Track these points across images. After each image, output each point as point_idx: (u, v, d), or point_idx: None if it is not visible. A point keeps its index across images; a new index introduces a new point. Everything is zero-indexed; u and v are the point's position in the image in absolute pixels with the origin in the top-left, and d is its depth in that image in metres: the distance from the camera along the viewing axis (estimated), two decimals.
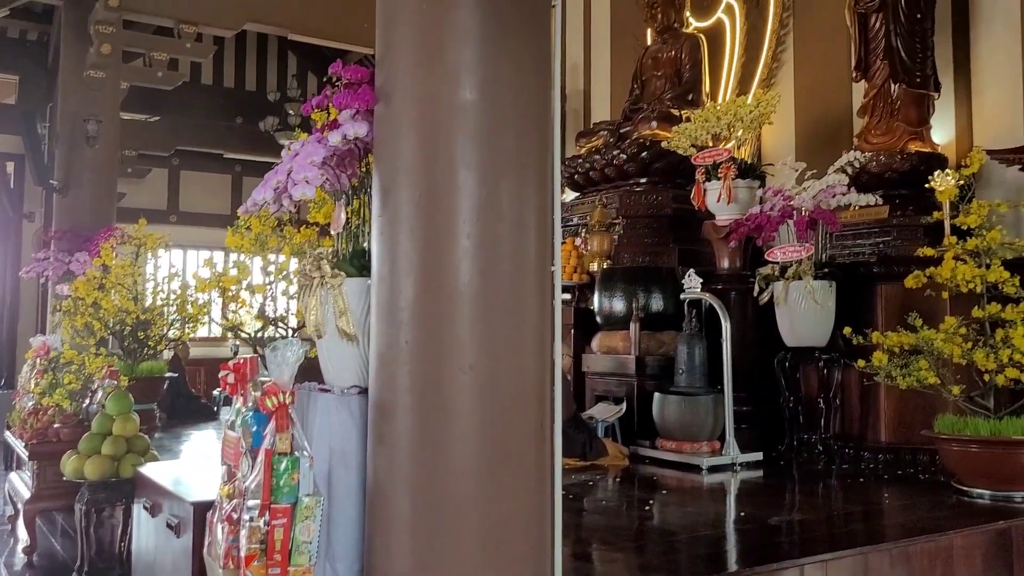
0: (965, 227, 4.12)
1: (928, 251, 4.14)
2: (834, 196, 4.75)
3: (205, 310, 5.72)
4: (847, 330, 4.19)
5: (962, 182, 4.44)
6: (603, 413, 5.04)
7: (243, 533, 2.21)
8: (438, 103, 2.21)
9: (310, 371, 2.64)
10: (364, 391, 2.46)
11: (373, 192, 2.37)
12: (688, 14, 6.78)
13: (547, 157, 2.35)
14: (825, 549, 2.89)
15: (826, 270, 4.72)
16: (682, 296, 4.81)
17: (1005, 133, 5.06)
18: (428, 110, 2.22)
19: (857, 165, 4.99)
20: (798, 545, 3.08)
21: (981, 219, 3.98)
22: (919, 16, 5.17)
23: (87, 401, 4.25)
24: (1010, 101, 5.09)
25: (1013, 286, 3.85)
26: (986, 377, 3.69)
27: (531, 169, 2.28)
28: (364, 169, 2.66)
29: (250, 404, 2.36)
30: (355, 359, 2.55)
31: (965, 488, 3.74)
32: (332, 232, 2.79)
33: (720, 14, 6.77)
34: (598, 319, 5.47)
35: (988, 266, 3.92)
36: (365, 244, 2.63)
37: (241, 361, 2.46)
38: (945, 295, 4.04)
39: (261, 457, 2.22)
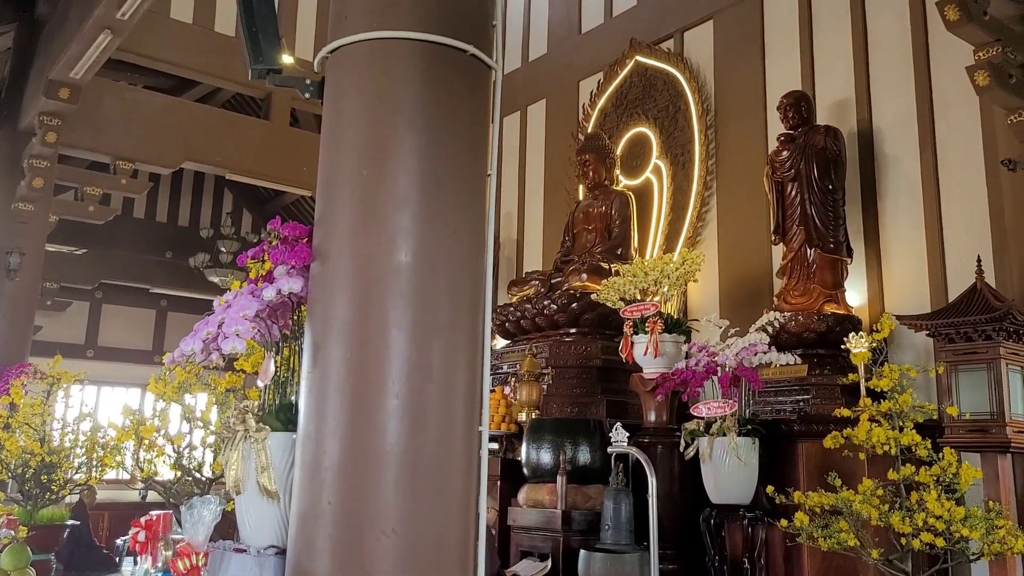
0: (879, 389, 4.31)
1: (845, 412, 4.31)
2: (755, 354, 4.92)
3: (116, 454, 5.51)
4: (770, 489, 4.27)
5: (875, 345, 4.68)
6: (528, 570, 4.94)
7: None
8: (374, 264, 2.29)
9: (222, 529, 2.57)
10: (281, 552, 2.40)
11: (304, 348, 2.41)
12: (618, 172, 7.16)
13: (478, 318, 2.43)
14: None
15: (749, 427, 4.83)
16: (610, 450, 4.85)
17: (914, 298, 5.39)
18: (363, 270, 2.30)
19: (777, 325, 5.22)
20: None
21: (893, 382, 4.18)
22: (831, 187, 5.57)
23: None
24: (916, 268, 5.45)
25: (925, 449, 4.00)
26: (903, 540, 3.78)
27: (462, 330, 2.35)
28: (295, 319, 2.70)
29: (159, 564, 2.28)
30: (274, 518, 2.50)
31: None
32: (260, 383, 2.79)
33: (648, 174, 7.18)
34: (525, 471, 5.45)
35: (901, 428, 4.08)
36: (292, 396, 2.63)
37: (154, 519, 2.39)
38: (862, 456, 4.18)
39: None
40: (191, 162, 8.77)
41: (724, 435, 4.76)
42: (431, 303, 2.29)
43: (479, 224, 2.47)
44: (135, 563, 5.32)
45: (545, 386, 5.97)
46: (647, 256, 6.73)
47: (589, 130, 7.59)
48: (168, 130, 8.42)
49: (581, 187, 7.26)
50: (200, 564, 2.18)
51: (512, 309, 6.57)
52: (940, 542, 3.70)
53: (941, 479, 3.90)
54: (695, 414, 4.90)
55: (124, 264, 11.88)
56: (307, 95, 2.74)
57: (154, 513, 2.45)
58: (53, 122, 7.22)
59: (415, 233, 2.30)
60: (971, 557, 3.84)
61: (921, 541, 3.71)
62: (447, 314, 2.32)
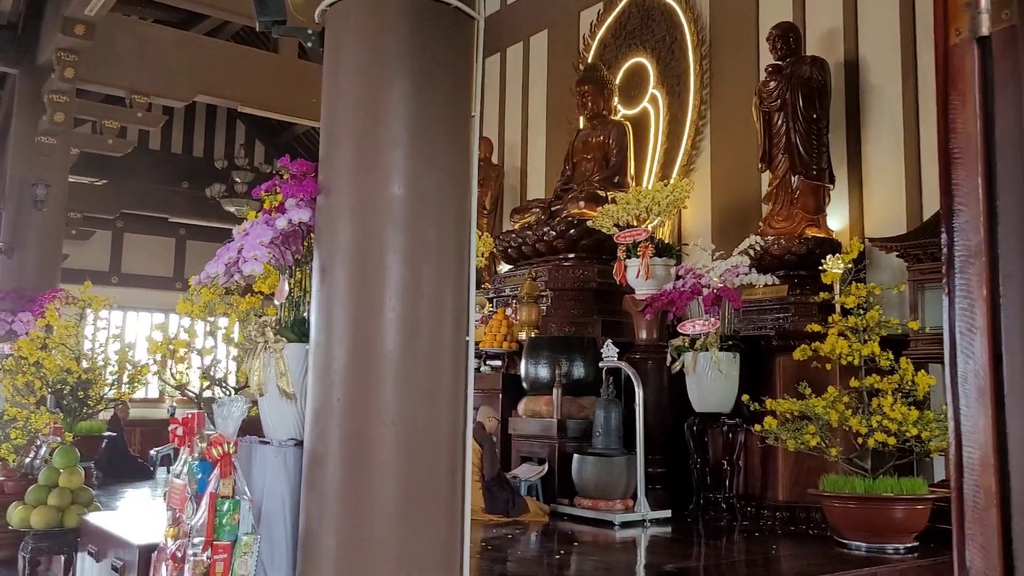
0: (848, 306, 4.67)
1: (816, 327, 4.69)
2: (737, 275, 5.29)
3: (146, 371, 5.99)
4: (745, 397, 4.69)
5: (848, 266, 5.02)
6: (526, 473, 5.42)
7: (187, 567, 2.55)
8: (371, 197, 2.66)
9: (248, 428, 3.00)
10: (299, 443, 2.83)
11: (313, 270, 2.79)
12: (616, 102, 7.40)
13: (464, 244, 2.80)
14: None
15: (731, 343, 5.23)
16: (601, 364, 5.27)
17: (892, 222, 5.69)
18: (362, 202, 2.67)
19: (759, 248, 5.57)
20: None
21: (859, 300, 4.54)
22: (815, 116, 5.83)
23: (31, 456, 4.50)
24: (895, 194, 5.74)
25: (887, 360, 4.38)
26: (859, 440, 4.19)
27: (450, 253, 2.73)
28: (306, 246, 3.09)
29: (196, 454, 2.72)
30: (292, 415, 2.93)
31: (845, 541, 4.20)
32: (276, 302, 3.19)
33: (645, 103, 7.42)
34: (524, 384, 5.89)
35: (867, 342, 4.46)
36: (305, 313, 3.03)
37: (189, 416, 2.82)
38: (829, 367, 4.57)
39: (206, 500, 2.57)
40: (203, 95, 9.06)
41: (707, 350, 5.16)
42: (422, 230, 2.66)
43: (464, 161, 2.82)
44: (168, 471, 5.85)
45: (544, 307, 6.37)
46: (644, 183, 7.03)
47: (589, 60, 7.81)
48: (180, 64, 8.68)
49: (581, 117, 7.51)
50: (231, 452, 2.61)
51: (514, 235, 6.93)
52: (892, 441, 4.12)
53: (901, 387, 4.29)
54: (681, 331, 5.30)
55: (143, 195, 12.28)
56: (309, 44, 3.07)
57: (188, 412, 2.89)
58: (70, 58, 7.51)
59: (406, 169, 2.65)
60: (927, 453, 4.26)
61: (875, 439, 4.12)
62: (436, 240, 2.69)
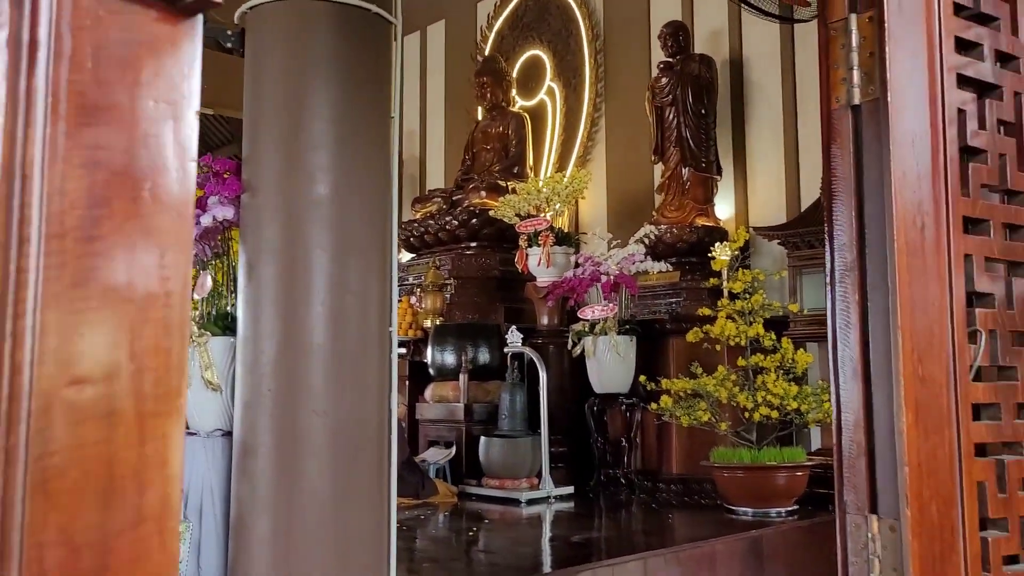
0: (736, 291, 5.04)
1: (706, 311, 5.04)
2: (634, 263, 5.59)
3: None
4: (643, 378, 5.00)
5: (735, 252, 5.40)
6: (435, 456, 5.60)
7: None
8: (297, 196, 2.76)
9: None
10: (226, 434, 2.92)
11: (239, 266, 2.88)
12: (515, 93, 7.61)
13: (387, 239, 2.94)
14: (614, 555, 3.58)
15: (628, 327, 5.54)
16: (506, 350, 5.49)
17: (773, 211, 6.12)
18: (289, 201, 2.77)
19: (653, 237, 5.89)
20: (594, 554, 3.76)
21: (744, 285, 4.90)
22: (704, 112, 6.19)
23: None
24: (776, 186, 6.17)
25: (770, 340, 4.77)
26: (746, 415, 4.56)
27: (374, 249, 2.86)
28: (222, 239, 3.15)
29: None
30: (218, 406, 3.01)
31: (734, 508, 4.56)
32: (197, 296, 3.25)
33: (543, 95, 7.65)
34: (431, 371, 6.05)
35: (751, 323, 4.83)
36: (229, 307, 3.10)
37: None
38: (719, 347, 4.93)
39: None
40: None
41: (606, 334, 5.45)
42: (347, 228, 2.78)
43: (385, 160, 2.95)
44: None
45: (448, 295, 6.54)
46: (542, 174, 7.27)
47: (487, 52, 7.98)
48: None
49: (480, 108, 7.68)
50: None
51: (416, 225, 7.06)
52: (775, 414, 4.50)
53: (783, 364, 4.68)
54: (582, 317, 5.57)
55: None
56: (228, 44, 3.13)
57: None
58: None
59: (331, 170, 2.77)
60: (806, 424, 4.67)
61: (760, 413, 4.49)
62: (361, 236, 2.82)
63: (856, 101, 1.10)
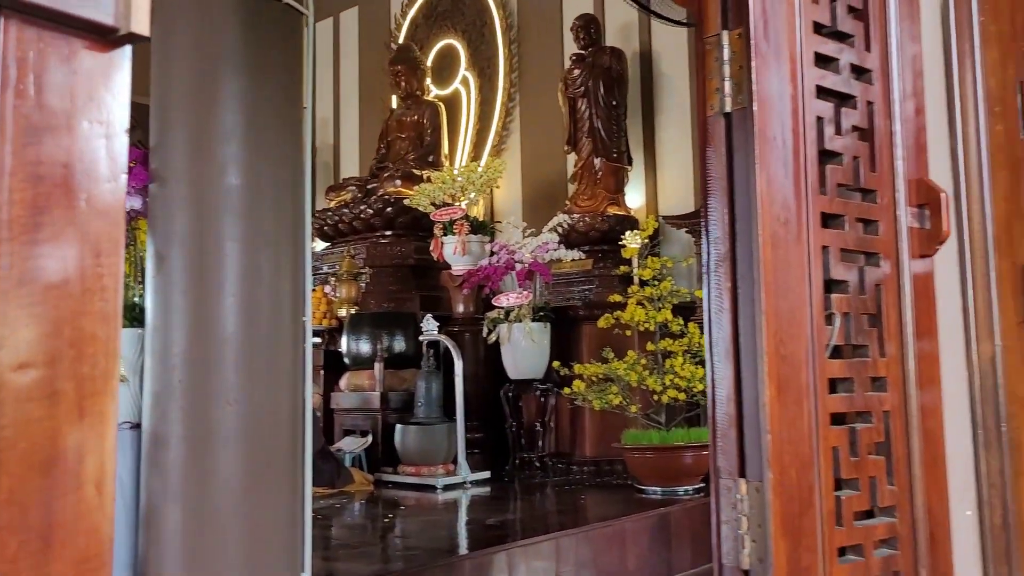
0: (645, 278, 5.24)
1: (617, 297, 5.22)
2: (548, 251, 5.74)
3: None
4: (556, 364, 5.16)
5: (645, 240, 5.60)
6: (350, 445, 5.65)
7: None
8: (208, 187, 2.78)
9: None
10: (135, 426, 2.93)
11: (148, 256, 2.88)
12: (429, 82, 7.66)
13: (300, 229, 2.99)
14: (528, 536, 3.72)
15: (542, 313, 5.68)
16: (421, 338, 5.57)
17: (681, 201, 6.35)
18: (199, 192, 2.79)
19: (567, 225, 6.05)
20: (509, 536, 3.90)
21: (654, 272, 5.10)
22: (615, 103, 6.37)
23: None
24: (684, 176, 6.40)
25: (678, 325, 4.97)
26: (655, 397, 4.76)
27: (286, 239, 2.91)
28: (129, 229, 3.15)
29: None
30: (126, 398, 3.01)
31: (644, 487, 4.76)
32: None
33: (457, 85, 7.73)
34: (346, 360, 6.08)
35: (660, 309, 5.03)
36: (136, 298, 3.10)
37: None
38: (629, 333, 5.11)
39: None
40: None
41: (521, 321, 5.59)
42: (259, 219, 2.82)
43: (298, 150, 3.00)
44: None
45: (363, 284, 6.57)
46: (457, 163, 7.35)
47: (401, 40, 8.00)
48: None
49: (394, 97, 7.71)
50: None
51: (331, 213, 7.05)
52: (682, 396, 4.71)
53: (690, 348, 4.90)
54: (496, 304, 5.69)
55: None
56: None
57: None
58: None
59: (242, 161, 2.80)
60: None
61: (669, 396, 4.70)
62: (273, 227, 2.86)
63: (728, 109, 1.23)
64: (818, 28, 1.32)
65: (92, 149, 0.57)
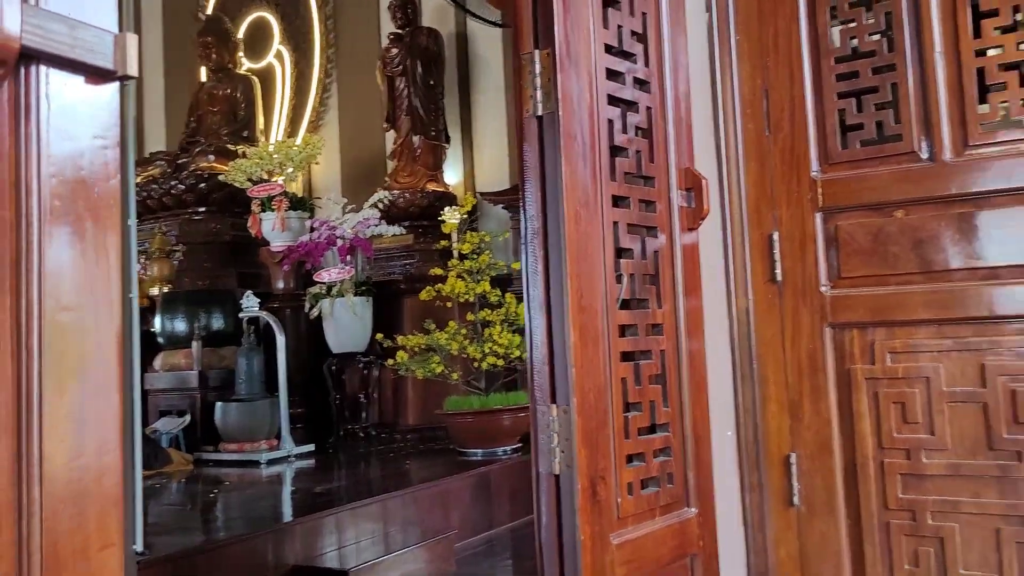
0: (465, 252, 5.61)
1: (438, 271, 5.57)
2: (369, 227, 5.99)
3: None
4: (380, 336, 5.45)
5: (464, 216, 5.97)
6: (167, 426, 5.68)
7: None
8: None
9: None
10: None
11: None
12: (241, 55, 7.64)
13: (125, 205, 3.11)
14: (356, 499, 4.01)
15: (364, 288, 5.94)
16: (241, 315, 5.67)
17: (497, 178, 6.78)
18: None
19: (387, 201, 6.32)
20: (336, 502, 4.17)
21: (473, 246, 5.48)
22: (432, 83, 6.69)
23: None
24: (499, 154, 6.83)
25: (496, 296, 5.39)
26: (476, 365, 5.16)
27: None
28: None
29: None
30: None
31: (465, 450, 5.16)
32: None
33: (271, 59, 7.76)
34: (160, 340, 6.07)
35: (479, 281, 5.43)
36: None
37: None
38: (450, 304, 5.48)
39: None
40: None
41: (343, 296, 5.82)
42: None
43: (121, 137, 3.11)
44: None
45: (176, 262, 6.54)
46: (272, 138, 7.41)
47: (209, 11, 7.91)
48: None
49: (204, 69, 7.63)
50: None
51: (138, 189, 6.93)
52: (501, 363, 5.14)
53: (507, 318, 5.32)
54: (318, 280, 5.89)
55: None
56: None
57: None
58: None
59: None
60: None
61: (488, 363, 5.11)
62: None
63: (540, 113, 1.59)
64: (609, 48, 1.70)
65: (99, 156, 0.82)
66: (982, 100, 2.01)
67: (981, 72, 1.99)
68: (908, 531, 1.98)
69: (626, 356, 1.70)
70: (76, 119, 0.82)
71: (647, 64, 1.79)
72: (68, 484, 0.81)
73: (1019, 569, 1.87)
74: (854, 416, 2.03)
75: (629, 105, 1.75)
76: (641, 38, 1.78)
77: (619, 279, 1.68)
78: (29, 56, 0.77)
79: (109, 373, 0.86)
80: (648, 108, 1.79)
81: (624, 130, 1.71)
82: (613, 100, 1.70)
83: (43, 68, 0.80)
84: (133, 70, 0.87)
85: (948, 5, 2.00)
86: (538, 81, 1.57)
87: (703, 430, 1.85)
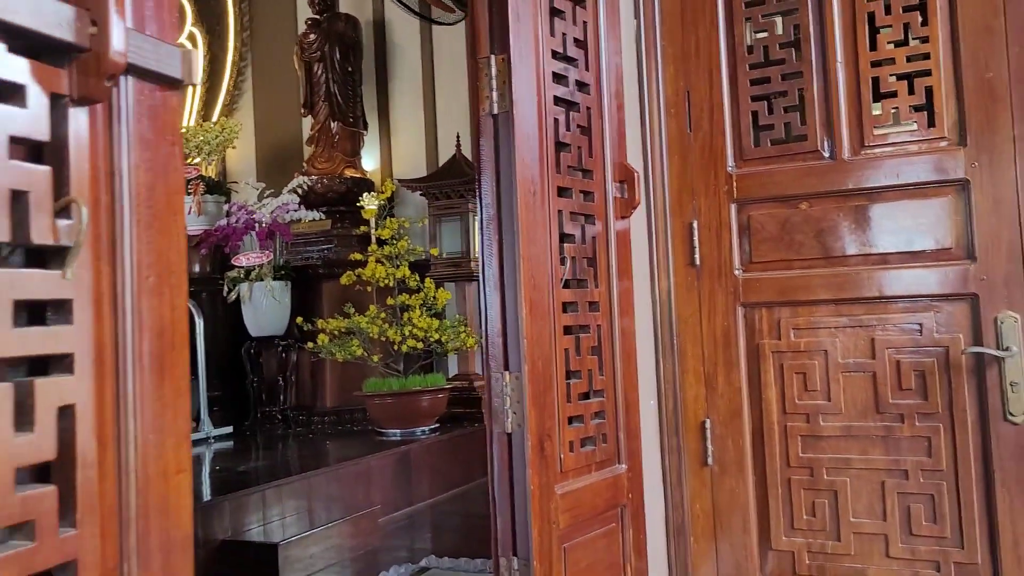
0: (384, 237, 5.73)
1: (357, 256, 5.68)
2: (288, 212, 6.04)
3: None
4: (299, 320, 5.52)
5: (383, 202, 6.08)
6: None
7: None
8: None
9: None
10: None
11: None
12: None
13: None
14: (280, 478, 4.12)
15: (283, 272, 5.99)
16: None
17: (414, 164, 6.90)
18: None
19: (306, 187, 6.37)
20: (259, 480, 4.26)
21: (391, 232, 5.62)
22: (350, 69, 6.75)
23: None
24: (416, 142, 6.95)
25: (415, 281, 5.54)
26: (395, 347, 5.30)
27: None
28: None
29: None
30: None
31: (385, 431, 5.30)
32: None
33: (183, 40, 7.65)
34: None
35: (398, 266, 5.56)
36: None
37: None
38: (369, 289, 5.60)
39: None
40: None
41: (262, 280, 5.86)
42: None
43: None
44: None
45: None
46: (185, 121, 7.33)
47: None
48: None
49: None
50: None
51: None
52: (419, 345, 5.30)
53: (426, 302, 5.48)
54: (236, 264, 5.91)
55: None
56: None
57: None
58: None
59: None
60: (445, 353, 5.54)
61: (407, 346, 5.26)
62: None
63: (495, 112, 1.77)
64: (555, 54, 1.90)
65: (170, 153, 0.97)
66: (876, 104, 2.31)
67: (876, 81, 2.28)
68: (807, 485, 2.26)
69: (568, 330, 1.91)
70: (154, 121, 0.96)
71: (587, 68, 2.00)
72: (154, 419, 0.95)
73: (900, 515, 2.16)
74: (762, 385, 2.30)
75: (571, 105, 1.94)
76: (582, 44, 1.98)
77: (563, 261, 1.88)
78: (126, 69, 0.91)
79: (181, 330, 1.01)
80: (588, 108, 1.99)
81: (568, 127, 1.91)
82: (558, 100, 1.90)
83: (131, 79, 0.93)
84: (197, 80, 1.01)
85: (848, 20, 2.28)
86: (494, 83, 1.75)
87: (632, 397, 2.07)
